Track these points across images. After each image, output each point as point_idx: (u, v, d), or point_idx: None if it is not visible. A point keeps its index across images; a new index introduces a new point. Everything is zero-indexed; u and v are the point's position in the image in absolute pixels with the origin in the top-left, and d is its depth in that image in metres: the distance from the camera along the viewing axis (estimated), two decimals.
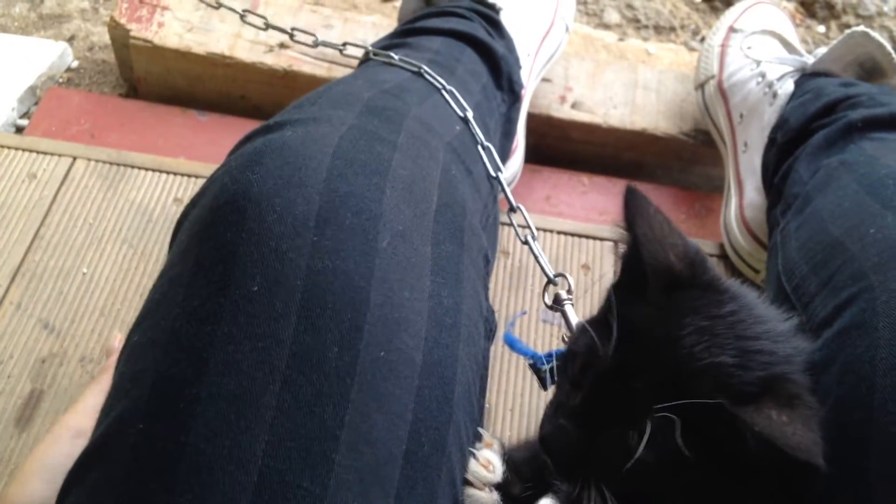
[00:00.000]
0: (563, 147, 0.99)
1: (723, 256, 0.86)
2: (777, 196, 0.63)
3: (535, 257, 0.57)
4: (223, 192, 0.40)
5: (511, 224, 0.63)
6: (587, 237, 0.88)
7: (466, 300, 0.42)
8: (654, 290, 0.41)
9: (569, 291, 0.54)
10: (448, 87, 0.57)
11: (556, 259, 0.87)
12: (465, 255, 0.44)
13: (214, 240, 0.38)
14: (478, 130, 0.56)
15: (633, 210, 0.43)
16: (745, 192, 0.78)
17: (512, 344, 0.54)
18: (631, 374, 0.39)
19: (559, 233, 0.89)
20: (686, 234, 0.88)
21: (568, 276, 0.55)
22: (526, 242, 0.60)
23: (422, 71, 0.58)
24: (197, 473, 0.33)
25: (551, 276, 0.56)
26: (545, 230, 0.89)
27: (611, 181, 0.96)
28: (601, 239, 0.88)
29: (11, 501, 0.44)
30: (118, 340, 0.52)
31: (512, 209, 0.62)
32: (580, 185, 0.96)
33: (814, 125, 0.64)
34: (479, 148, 0.57)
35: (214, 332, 0.36)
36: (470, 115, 0.57)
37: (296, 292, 0.36)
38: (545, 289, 0.56)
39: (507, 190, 0.60)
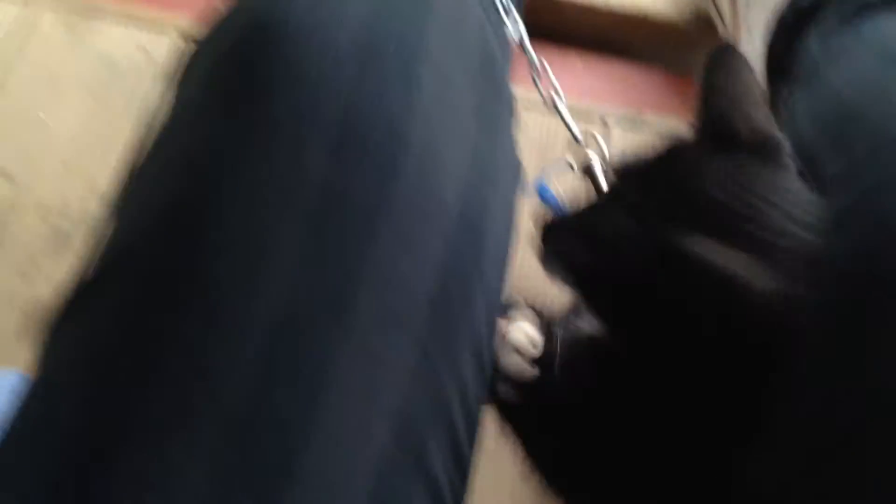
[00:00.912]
0: (555, 25, 0.94)
1: None
2: (782, 77, 0.60)
3: (562, 118, 0.58)
4: (253, 19, 0.36)
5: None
6: (576, 115, 0.85)
7: (503, 151, 0.41)
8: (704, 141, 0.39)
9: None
10: None
11: (542, 139, 0.84)
12: (503, 105, 0.42)
13: (242, 65, 0.35)
14: None
15: (718, 62, 0.40)
16: None
17: (543, 193, 0.54)
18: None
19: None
20: (678, 117, 0.86)
21: (598, 135, 0.54)
22: (555, 106, 0.59)
23: None
24: (208, 302, 0.31)
25: (578, 136, 0.56)
26: (531, 109, 0.86)
27: (602, 60, 0.92)
28: (590, 117, 0.85)
29: None
30: None
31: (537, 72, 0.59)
32: (569, 62, 0.92)
33: (827, 3, 0.60)
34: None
35: (236, 156, 0.33)
36: None
37: (331, 125, 0.33)
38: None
39: (527, 42, 0.56)
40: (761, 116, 0.40)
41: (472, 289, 0.37)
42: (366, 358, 0.32)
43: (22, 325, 0.67)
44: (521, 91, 0.86)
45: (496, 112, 0.41)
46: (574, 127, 0.56)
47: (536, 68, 0.60)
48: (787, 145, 0.40)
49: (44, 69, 0.78)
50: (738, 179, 0.37)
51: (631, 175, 0.40)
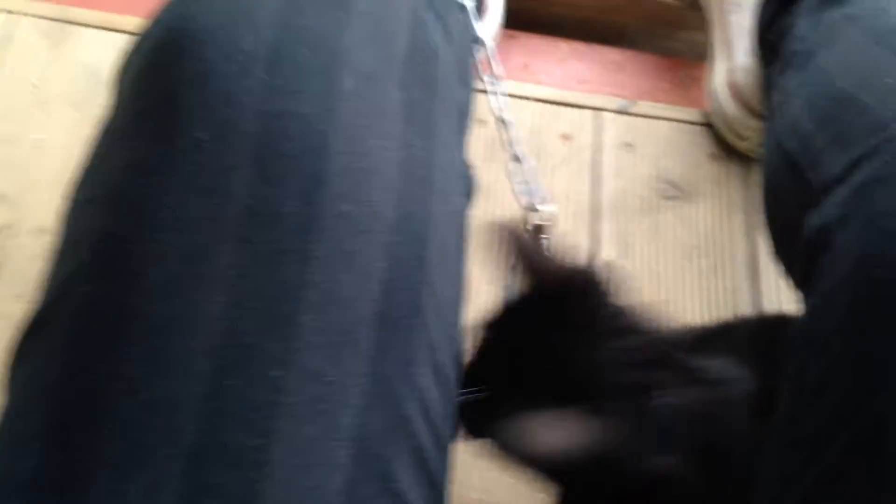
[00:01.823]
0: (541, 10, 0.93)
1: (707, 125, 0.83)
2: (773, 55, 0.59)
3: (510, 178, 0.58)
4: (164, 31, 0.35)
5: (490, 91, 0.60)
6: (567, 105, 0.84)
7: (440, 152, 0.38)
8: None
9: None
10: None
11: (534, 128, 0.83)
12: (438, 104, 0.39)
13: (154, 84, 0.34)
14: None
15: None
16: (733, 55, 0.74)
17: None
18: None
19: (537, 100, 0.85)
20: (670, 103, 0.85)
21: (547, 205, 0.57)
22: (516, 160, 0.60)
23: None
24: (147, 337, 0.30)
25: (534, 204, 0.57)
26: (522, 98, 0.85)
27: (591, 48, 0.91)
28: (581, 107, 0.84)
29: None
30: None
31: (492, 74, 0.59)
32: (559, 51, 0.91)
33: None
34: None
35: (160, 185, 0.32)
36: None
37: (248, 140, 0.32)
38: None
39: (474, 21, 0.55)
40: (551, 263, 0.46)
41: (420, 300, 0.35)
42: (314, 381, 0.31)
43: None
44: (511, 85, 0.85)
45: (430, 112, 0.39)
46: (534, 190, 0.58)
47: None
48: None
49: (25, 82, 0.78)
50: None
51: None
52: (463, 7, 0.51)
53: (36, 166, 0.75)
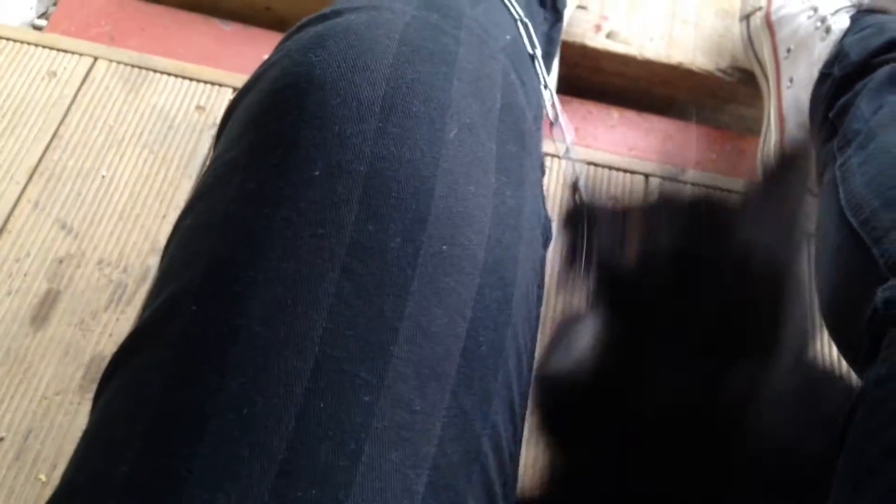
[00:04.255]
0: (594, 78, 0.96)
1: None
2: (831, 132, 0.61)
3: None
4: (283, 76, 0.38)
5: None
6: (617, 169, 0.86)
7: (528, 203, 0.41)
8: None
9: None
10: None
11: (585, 190, 0.85)
12: (527, 158, 0.42)
13: (274, 123, 0.37)
14: (534, 35, 0.54)
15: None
16: (786, 130, 0.76)
17: None
18: None
19: (589, 163, 0.87)
20: (717, 173, 0.87)
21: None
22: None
23: None
24: (252, 358, 0.31)
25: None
26: (575, 160, 0.87)
27: (641, 116, 0.94)
28: (632, 172, 0.86)
29: None
30: None
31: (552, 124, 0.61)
32: (609, 118, 0.94)
33: (875, 60, 0.62)
34: (531, 58, 0.54)
35: (273, 216, 0.34)
36: (523, 21, 0.54)
37: (359, 179, 0.34)
38: None
39: (556, 99, 0.58)
40: None
41: (503, 340, 0.37)
42: (402, 409, 0.32)
43: (83, 379, 0.68)
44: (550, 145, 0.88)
45: (521, 165, 0.42)
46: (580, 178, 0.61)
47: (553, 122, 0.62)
48: None
49: (101, 122, 0.81)
50: None
51: None
52: (533, 57, 0.54)
53: (103, 201, 0.78)
